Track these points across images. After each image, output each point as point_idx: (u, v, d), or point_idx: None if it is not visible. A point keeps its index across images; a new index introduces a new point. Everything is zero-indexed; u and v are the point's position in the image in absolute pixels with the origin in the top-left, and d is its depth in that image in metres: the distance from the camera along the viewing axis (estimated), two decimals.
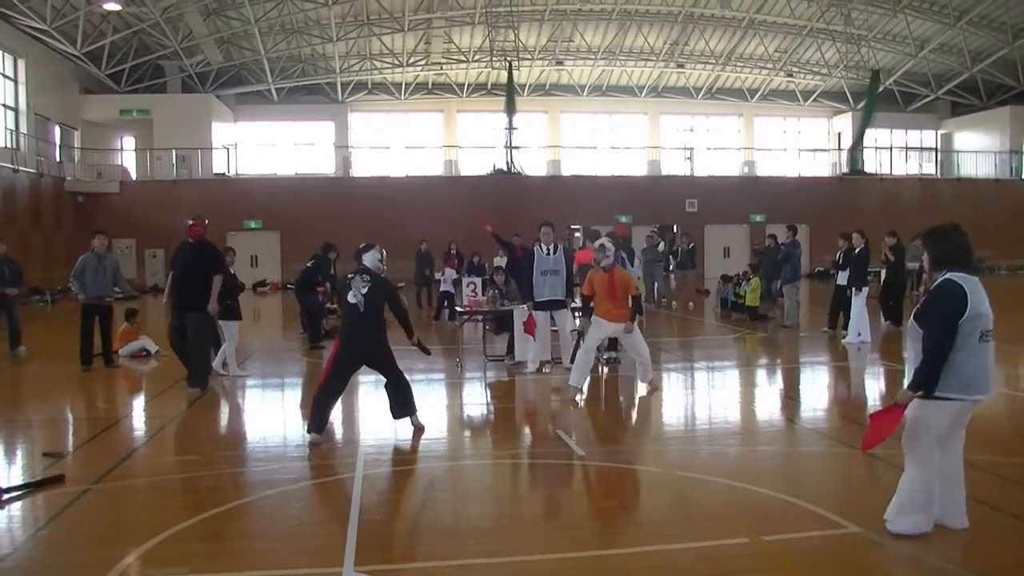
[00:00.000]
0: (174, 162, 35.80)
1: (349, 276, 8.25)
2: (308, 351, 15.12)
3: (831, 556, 5.22)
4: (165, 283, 13.25)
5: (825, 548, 5.34)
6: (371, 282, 8.10)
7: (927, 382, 5.13)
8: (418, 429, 8.42)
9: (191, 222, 11.33)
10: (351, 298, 8.04)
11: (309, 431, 8.02)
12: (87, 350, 12.94)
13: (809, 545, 5.37)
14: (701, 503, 6.38)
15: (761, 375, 13.06)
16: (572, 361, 12.13)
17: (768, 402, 10.82)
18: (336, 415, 10.27)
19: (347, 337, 8.22)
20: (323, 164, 39.30)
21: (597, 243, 10.60)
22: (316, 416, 7.98)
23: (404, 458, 7.85)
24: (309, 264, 15.96)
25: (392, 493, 6.73)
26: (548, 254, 12.12)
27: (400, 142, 40.76)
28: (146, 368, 13.48)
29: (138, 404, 10.70)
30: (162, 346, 14.64)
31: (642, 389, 10.61)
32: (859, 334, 14.74)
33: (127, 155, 38.89)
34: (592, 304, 10.35)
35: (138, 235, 33.02)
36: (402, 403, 8.46)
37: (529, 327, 12.06)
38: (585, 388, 11.62)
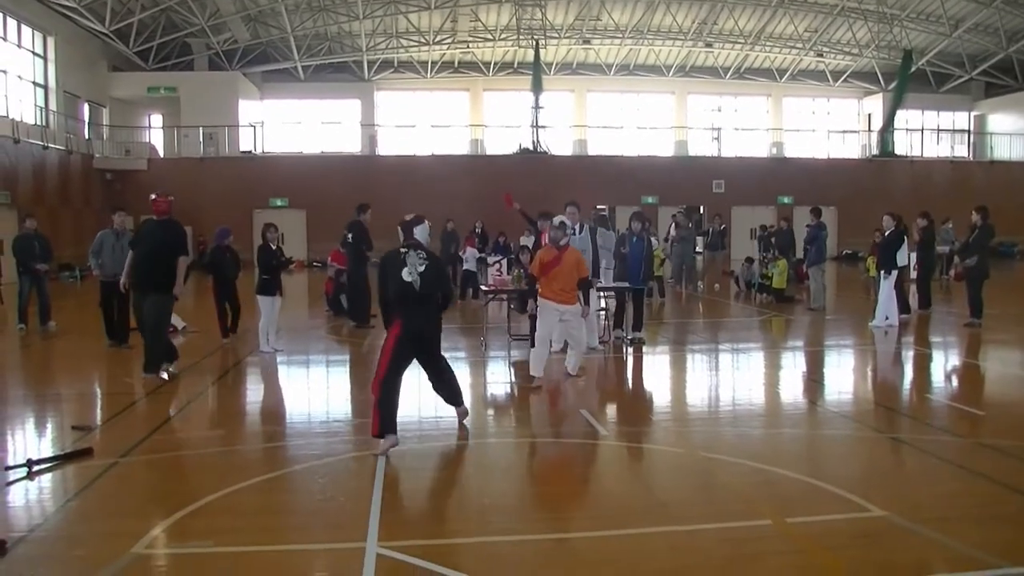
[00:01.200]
0: (201, 140, 36.00)
1: (402, 250, 7.30)
2: (346, 330, 15.11)
3: (854, 539, 5.19)
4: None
5: (849, 531, 5.31)
6: (428, 260, 7.28)
7: None
8: (463, 416, 8.02)
9: (155, 197, 10.75)
10: (406, 275, 7.13)
11: (381, 435, 6.92)
12: (112, 327, 12.89)
13: (833, 528, 5.34)
14: (725, 484, 6.36)
15: (787, 357, 12.97)
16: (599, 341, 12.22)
17: (793, 384, 10.75)
18: (363, 393, 10.34)
19: (409, 320, 7.18)
20: (349, 142, 39.37)
21: (556, 220, 10.47)
22: (385, 418, 6.93)
23: (428, 435, 7.88)
24: (349, 235, 15.29)
25: (416, 470, 6.75)
26: (574, 234, 11.96)
27: (426, 121, 40.72)
28: (174, 343, 13.59)
29: (166, 379, 10.79)
30: (189, 322, 14.81)
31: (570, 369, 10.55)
32: (886, 317, 14.60)
33: (155, 133, 39.16)
34: (538, 286, 10.04)
35: None
36: (453, 391, 7.94)
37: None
38: (603, 368, 11.64)
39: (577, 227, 12.08)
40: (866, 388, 10.74)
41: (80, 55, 32.83)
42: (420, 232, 7.54)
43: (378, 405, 6.91)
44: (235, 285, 13.65)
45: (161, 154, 36.99)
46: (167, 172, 34.34)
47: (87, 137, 33.91)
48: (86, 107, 34.08)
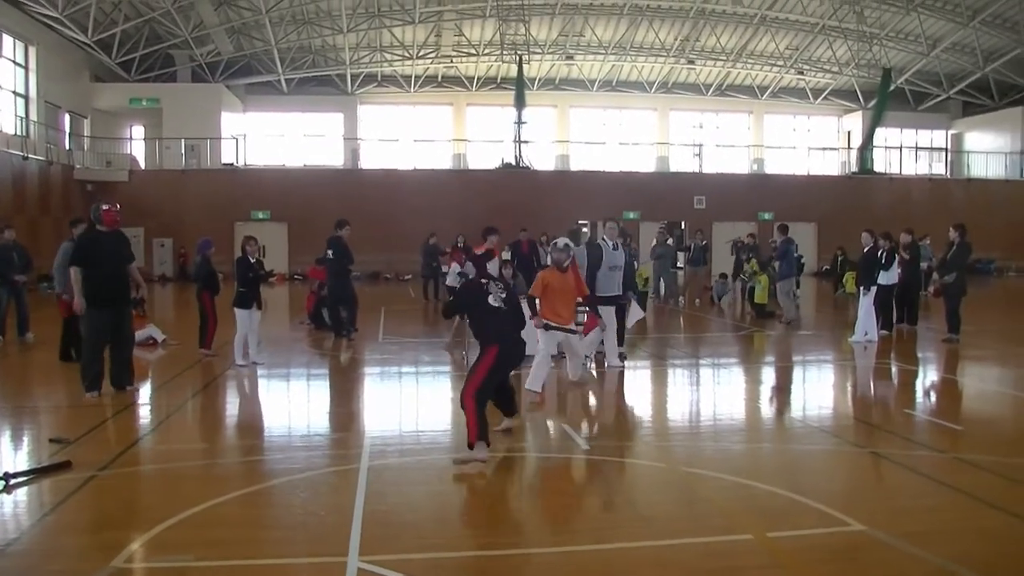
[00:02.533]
0: (183, 152, 35.85)
1: (483, 282, 7.91)
2: (327, 342, 15.09)
3: (835, 554, 5.22)
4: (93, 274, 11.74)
5: (829, 545, 5.34)
6: (506, 288, 7.94)
7: None
8: (508, 429, 8.16)
9: (106, 207, 10.14)
10: (492, 301, 7.62)
11: (478, 441, 7.07)
12: (70, 345, 12.40)
13: (814, 542, 5.37)
14: (707, 499, 6.38)
15: (767, 372, 13.02)
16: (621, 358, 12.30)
17: (773, 399, 10.79)
18: (344, 407, 10.34)
19: (507, 340, 7.57)
20: (332, 156, 39.29)
21: (560, 242, 10.39)
22: (483, 426, 7.11)
23: (410, 450, 7.86)
24: (329, 252, 15.37)
25: (398, 484, 6.73)
26: (614, 249, 11.92)
27: (409, 135, 40.72)
28: (153, 356, 13.51)
29: (144, 392, 10.72)
30: (168, 334, 14.73)
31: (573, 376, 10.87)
32: (866, 333, 14.70)
33: (136, 144, 38.93)
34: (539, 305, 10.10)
35: (147, 224, 33.03)
36: (512, 401, 8.26)
37: (590, 325, 12.02)
38: (590, 381, 11.66)
39: (613, 243, 12.00)
40: (846, 403, 10.81)
41: (62, 65, 32.67)
42: (492, 266, 8.63)
43: (476, 414, 7.11)
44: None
45: (143, 166, 36.77)
46: (148, 184, 34.19)
47: (68, 148, 33.71)
48: (67, 117, 33.88)
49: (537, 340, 10.21)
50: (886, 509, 6.04)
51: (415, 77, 41.19)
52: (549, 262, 10.42)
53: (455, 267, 20.08)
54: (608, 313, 11.96)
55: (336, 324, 15.47)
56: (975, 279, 26.47)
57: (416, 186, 35.50)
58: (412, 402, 10.86)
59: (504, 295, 7.73)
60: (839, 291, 24.12)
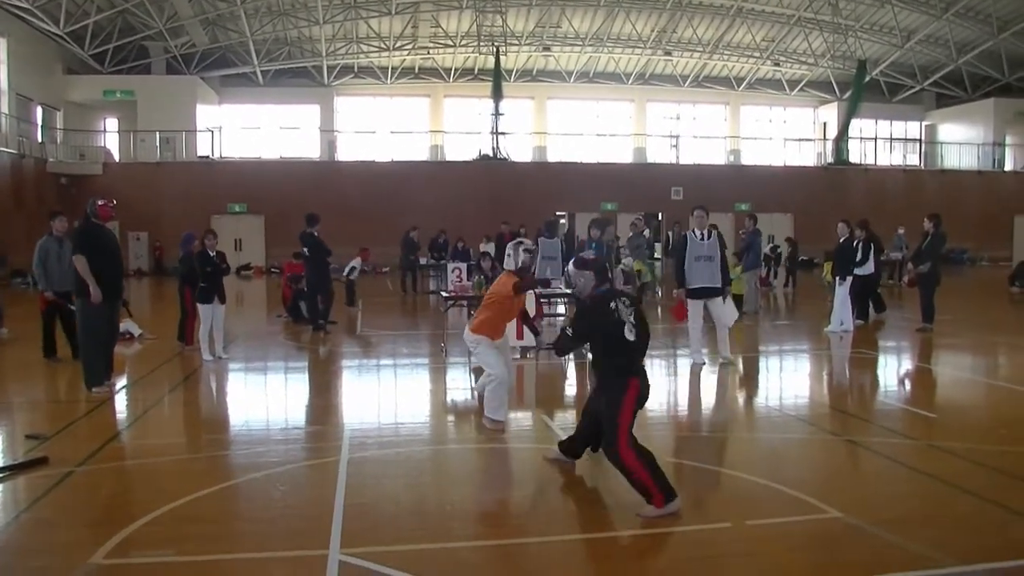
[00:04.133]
0: (158, 144, 35.54)
1: (612, 305, 6.07)
2: (305, 335, 15.05)
3: (812, 540, 5.29)
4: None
5: (806, 532, 5.40)
6: (633, 306, 6.21)
7: None
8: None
9: (102, 202, 10.03)
10: (629, 334, 5.99)
11: (668, 501, 5.67)
12: (52, 342, 12.28)
13: (791, 529, 5.43)
14: (686, 488, 6.42)
15: (744, 363, 13.08)
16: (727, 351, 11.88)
17: (751, 390, 10.87)
18: (323, 400, 10.32)
19: (642, 378, 6.10)
20: (308, 148, 39.08)
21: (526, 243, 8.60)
22: (662, 482, 5.72)
23: (389, 442, 7.87)
24: (304, 249, 15.49)
25: (377, 477, 6.73)
26: (702, 239, 11.50)
27: (386, 127, 40.58)
28: (129, 351, 13.42)
29: (122, 387, 10.65)
30: (145, 329, 14.64)
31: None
32: (841, 323, 14.83)
33: (110, 137, 38.57)
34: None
35: (121, 217, 32.59)
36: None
37: (679, 314, 11.92)
38: (570, 374, 11.70)
39: (705, 232, 11.62)
40: (822, 392, 10.92)
41: (34, 57, 32.29)
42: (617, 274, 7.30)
43: (646, 470, 5.72)
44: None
45: (117, 158, 36.45)
46: (123, 177, 33.87)
47: (40, 140, 33.33)
48: (39, 110, 33.51)
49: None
50: (862, 496, 6.12)
51: (392, 69, 41.06)
52: (507, 265, 8.28)
53: (355, 261, 19.68)
54: (696, 307, 11.58)
55: (314, 316, 15.47)
56: (949, 269, 26.73)
57: (393, 178, 35.39)
58: (391, 395, 10.85)
59: (634, 319, 6.07)
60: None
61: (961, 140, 43.02)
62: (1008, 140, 42.87)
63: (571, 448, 6.79)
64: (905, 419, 8.86)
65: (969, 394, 10.55)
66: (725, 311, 11.69)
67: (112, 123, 38.68)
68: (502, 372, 8.00)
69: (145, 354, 13.18)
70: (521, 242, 8.48)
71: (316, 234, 15.39)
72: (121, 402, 9.79)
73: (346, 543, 5.12)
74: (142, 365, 12.20)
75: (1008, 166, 42.81)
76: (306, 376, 12.06)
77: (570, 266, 6.53)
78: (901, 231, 25.80)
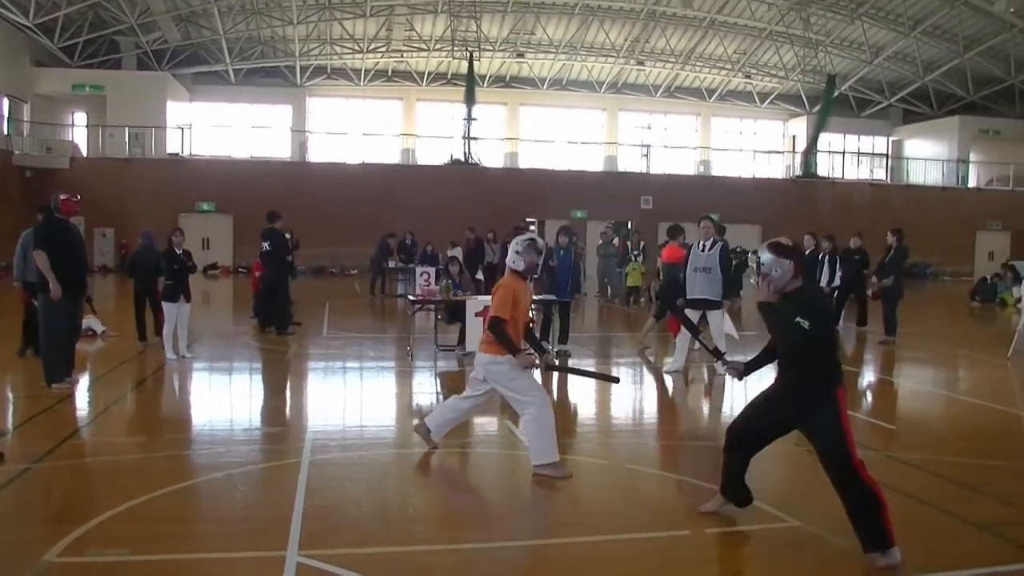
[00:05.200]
0: (127, 140, 35.17)
1: (785, 310, 5.38)
2: (270, 337, 14.94)
3: (770, 549, 5.34)
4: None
5: (765, 541, 5.46)
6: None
7: None
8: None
9: (64, 197, 9.96)
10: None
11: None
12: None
13: (749, 538, 5.49)
14: (647, 495, 6.48)
15: (707, 371, 13.13)
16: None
17: (714, 398, 10.94)
18: (286, 401, 10.28)
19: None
20: (280, 148, 38.84)
21: (526, 238, 7.24)
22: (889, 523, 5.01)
23: (352, 444, 7.85)
24: (266, 244, 15.33)
25: (339, 479, 6.70)
26: (703, 250, 11.38)
27: (358, 129, 40.42)
28: (92, 348, 13.27)
29: (83, 384, 10.53)
30: (109, 326, 14.48)
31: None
32: None
33: (79, 131, 38.12)
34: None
35: (88, 213, 32.29)
36: None
37: (672, 325, 11.87)
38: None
39: (709, 243, 11.41)
40: None
41: (1, 48, 31.85)
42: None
43: (883, 506, 5.00)
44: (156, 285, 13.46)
45: (85, 153, 36.03)
46: (90, 172, 33.45)
47: (6, 133, 32.86)
48: (6, 102, 33.03)
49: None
50: (822, 505, 6.15)
51: (365, 71, 40.94)
52: (513, 265, 7.08)
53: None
54: (692, 317, 11.20)
55: (276, 316, 15.35)
56: (912, 283, 27.10)
57: (363, 180, 35.28)
58: (356, 397, 10.82)
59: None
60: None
61: (926, 156, 43.70)
62: (972, 157, 43.59)
63: (740, 490, 5.72)
64: (865, 430, 8.96)
65: (928, 406, 10.70)
66: (721, 321, 11.52)
67: (80, 117, 38.22)
68: (541, 395, 6.86)
69: (108, 351, 13.04)
70: (533, 240, 7.13)
71: (279, 230, 15.36)
72: (82, 399, 9.68)
73: (305, 545, 5.09)
74: (104, 362, 12.06)
75: (972, 183, 43.54)
76: (270, 377, 11.98)
77: (765, 252, 5.42)
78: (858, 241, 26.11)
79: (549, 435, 6.63)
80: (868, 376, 12.94)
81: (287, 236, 15.71)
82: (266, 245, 15.27)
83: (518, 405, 6.84)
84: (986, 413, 10.04)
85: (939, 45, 39.67)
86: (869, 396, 11.50)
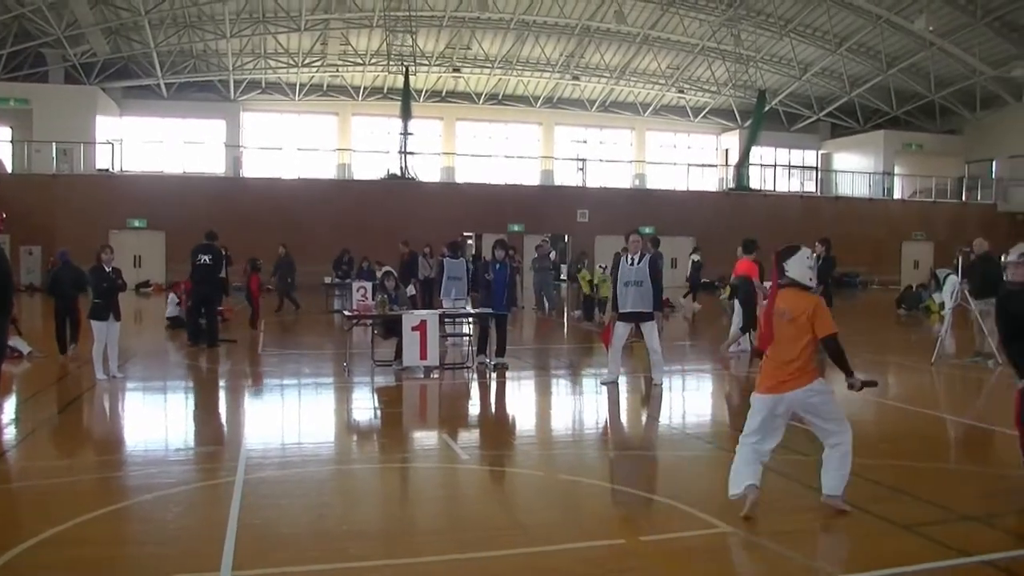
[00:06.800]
0: (54, 155, 34.34)
1: None
2: (204, 355, 14.74)
3: (703, 555, 5.42)
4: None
5: (698, 547, 5.53)
6: None
7: None
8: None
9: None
10: None
11: None
12: None
13: (684, 544, 5.55)
14: (583, 506, 6.53)
15: (643, 382, 13.26)
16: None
17: (649, 408, 11.05)
18: (221, 420, 10.14)
19: None
20: (213, 163, 38.32)
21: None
22: None
23: (288, 462, 7.76)
24: (206, 258, 15.41)
25: (274, 497, 6.63)
26: (632, 264, 11.38)
27: (293, 144, 40.07)
28: (17, 370, 12.92)
29: (8, 406, 10.26)
30: (35, 346, 14.12)
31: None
32: (739, 343, 15.22)
33: (3, 146, 37.07)
34: None
35: (14, 231, 31.46)
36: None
37: (605, 337, 11.92)
38: (472, 392, 11.75)
39: (638, 256, 11.46)
40: (720, 410, 11.21)
41: None
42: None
43: None
44: (77, 303, 13.27)
45: (9, 169, 35.07)
46: (16, 188, 32.54)
47: None
48: None
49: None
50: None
51: (300, 85, 40.65)
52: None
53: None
54: (624, 330, 11.63)
55: (201, 331, 15.41)
56: (841, 292, 27.74)
57: (299, 196, 34.92)
58: (292, 414, 10.71)
59: None
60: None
61: (854, 169, 44.96)
62: (896, 170, 44.93)
63: None
64: (797, 436, 9.12)
65: (855, 411, 10.92)
66: (655, 334, 11.64)
67: (5, 132, 37.21)
68: (847, 431, 6.39)
69: (34, 372, 12.71)
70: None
71: (215, 245, 15.44)
72: (7, 422, 9.42)
73: (239, 565, 5.03)
74: (31, 384, 11.76)
75: (896, 194, 44.84)
76: (204, 396, 11.80)
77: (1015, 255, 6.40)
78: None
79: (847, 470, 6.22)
80: None
81: (223, 252, 15.73)
82: (206, 259, 15.24)
83: (835, 434, 6.36)
84: (911, 417, 10.34)
85: (864, 62, 40.87)
86: None
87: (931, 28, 36.65)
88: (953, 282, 15.64)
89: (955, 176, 45.20)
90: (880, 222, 41.48)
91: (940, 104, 43.76)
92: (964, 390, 12.68)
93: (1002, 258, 7.03)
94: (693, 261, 27.26)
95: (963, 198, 44.88)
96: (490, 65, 40.71)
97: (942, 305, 17.34)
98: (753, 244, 14.85)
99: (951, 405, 11.63)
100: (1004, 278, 7.23)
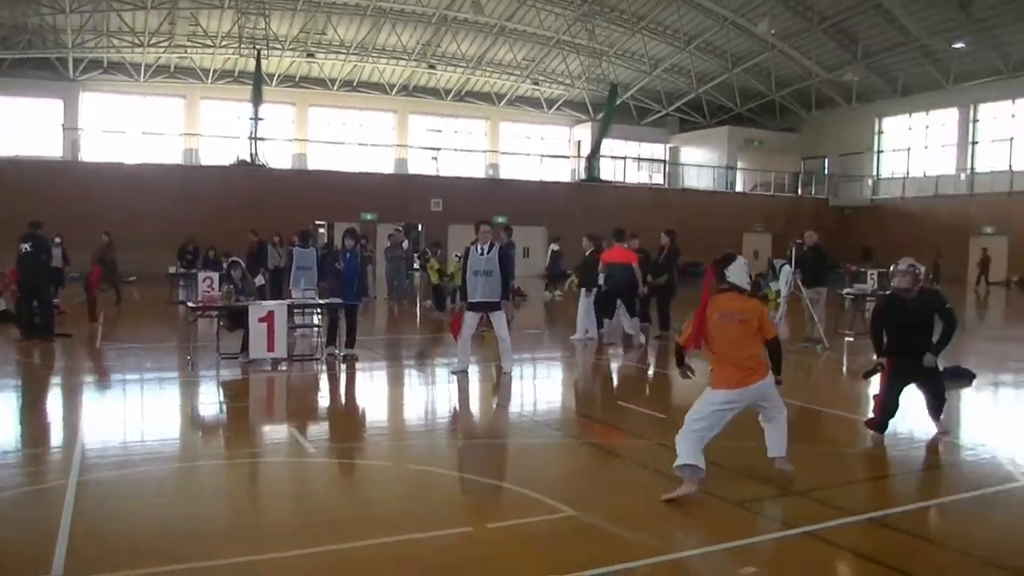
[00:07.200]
0: None
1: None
2: (37, 350, 13.95)
3: (547, 539, 5.56)
4: None
5: (542, 532, 5.66)
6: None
7: None
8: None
9: None
10: None
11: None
12: None
13: (529, 530, 5.67)
14: (431, 495, 6.58)
15: (494, 371, 13.39)
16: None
17: (499, 396, 11.19)
18: (53, 418, 9.66)
19: None
20: (49, 146, 36.17)
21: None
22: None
23: (128, 461, 7.46)
24: (27, 246, 14.59)
25: (111, 498, 6.38)
26: (482, 254, 11.49)
27: (137, 127, 38.26)
28: None
29: None
30: None
31: None
32: (586, 331, 15.61)
33: None
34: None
35: None
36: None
37: (454, 328, 11.82)
38: (322, 384, 11.64)
39: (487, 246, 11.57)
40: (567, 398, 11.48)
41: None
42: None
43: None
44: None
45: None
46: None
47: None
48: None
49: None
50: (596, 495, 6.53)
51: (145, 66, 38.89)
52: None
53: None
54: (472, 320, 11.73)
55: (27, 325, 14.66)
56: (686, 281, 28.71)
57: (143, 181, 33.38)
58: (133, 411, 10.30)
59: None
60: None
61: (699, 162, 46.72)
62: (739, 164, 46.99)
63: None
64: (639, 421, 9.49)
65: (696, 395, 11.40)
66: (503, 323, 11.80)
67: None
68: (784, 406, 7.25)
69: None
70: None
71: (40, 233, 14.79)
72: None
73: (71, 570, 4.83)
74: None
75: (739, 188, 46.87)
76: (36, 394, 11.14)
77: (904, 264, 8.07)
78: (635, 242, 27.38)
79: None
80: (644, 369, 13.66)
81: (57, 241, 14.90)
82: (26, 247, 14.45)
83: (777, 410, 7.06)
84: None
85: (711, 60, 42.55)
86: (646, 388, 12.18)
87: (773, 31, 38.56)
88: (787, 272, 16.48)
89: (792, 172, 47.68)
90: (723, 214, 43.21)
91: (780, 103, 46.14)
92: (796, 373, 13.38)
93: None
94: (552, 251, 27.73)
95: (799, 192, 47.38)
96: (345, 51, 40.12)
97: (778, 293, 18.26)
98: (623, 233, 15.38)
99: (784, 388, 12.22)
100: (891, 282, 8.48)
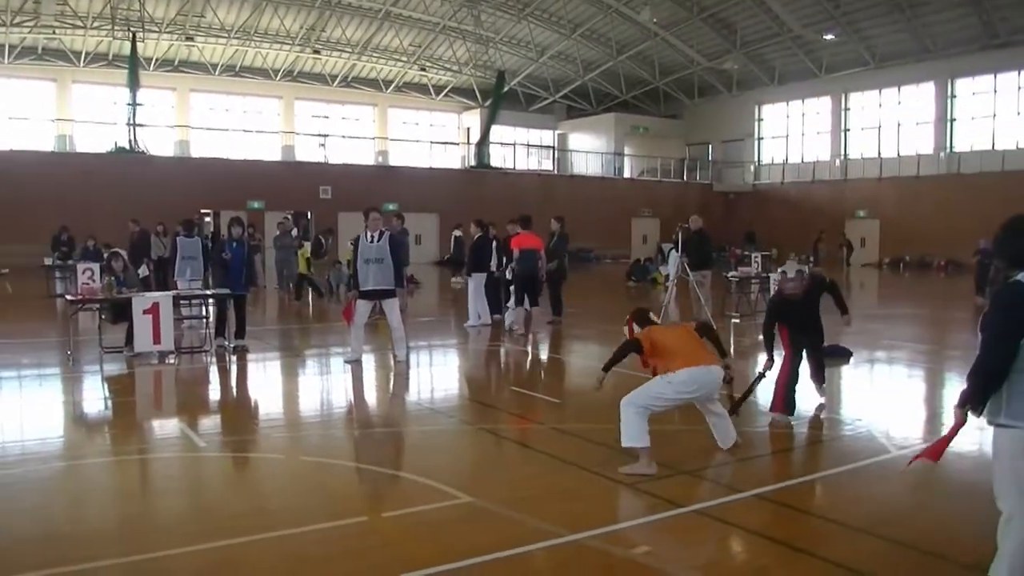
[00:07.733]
0: None
1: None
2: None
3: (444, 526, 5.58)
4: None
5: (439, 519, 5.69)
6: None
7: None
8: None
9: None
10: None
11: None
12: None
13: (424, 518, 5.69)
14: (325, 487, 6.53)
15: (386, 359, 13.30)
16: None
17: (394, 384, 11.17)
18: None
19: None
20: None
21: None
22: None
23: (3, 463, 7.12)
24: None
25: None
26: (372, 242, 11.45)
27: (2, 112, 36.37)
28: None
29: None
30: None
31: None
32: (479, 316, 15.69)
33: None
34: None
35: None
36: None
37: (346, 315, 11.73)
38: (211, 376, 11.38)
39: (377, 234, 11.50)
40: (462, 384, 11.52)
41: None
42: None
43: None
44: None
45: None
46: None
47: None
48: None
49: None
50: (491, 480, 6.60)
51: (10, 47, 36.87)
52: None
53: None
54: (365, 308, 11.79)
55: None
56: (577, 265, 29.19)
57: (10, 169, 31.76)
58: (9, 409, 9.81)
59: None
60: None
61: (587, 149, 47.34)
62: (626, 150, 47.82)
63: None
64: (534, 406, 9.61)
65: (590, 380, 11.61)
66: (396, 310, 11.85)
67: None
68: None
69: None
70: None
71: None
72: None
73: None
74: None
75: (626, 174, 47.71)
76: None
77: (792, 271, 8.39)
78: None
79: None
80: (538, 354, 13.82)
81: None
82: None
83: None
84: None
85: (596, 48, 43.14)
86: (538, 373, 12.32)
87: (655, 20, 39.36)
88: (675, 256, 16.89)
89: (678, 158, 48.83)
90: (611, 200, 43.98)
91: (664, 91, 47.15)
92: None
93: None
94: (455, 237, 27.79)
95: (684, 178, 48.56)
96: (226, 35, 39.04)
97: (667, 277, 18.77)
98: (530, 219, 15.62)
99: None
100: (778, 287, 8.84)
